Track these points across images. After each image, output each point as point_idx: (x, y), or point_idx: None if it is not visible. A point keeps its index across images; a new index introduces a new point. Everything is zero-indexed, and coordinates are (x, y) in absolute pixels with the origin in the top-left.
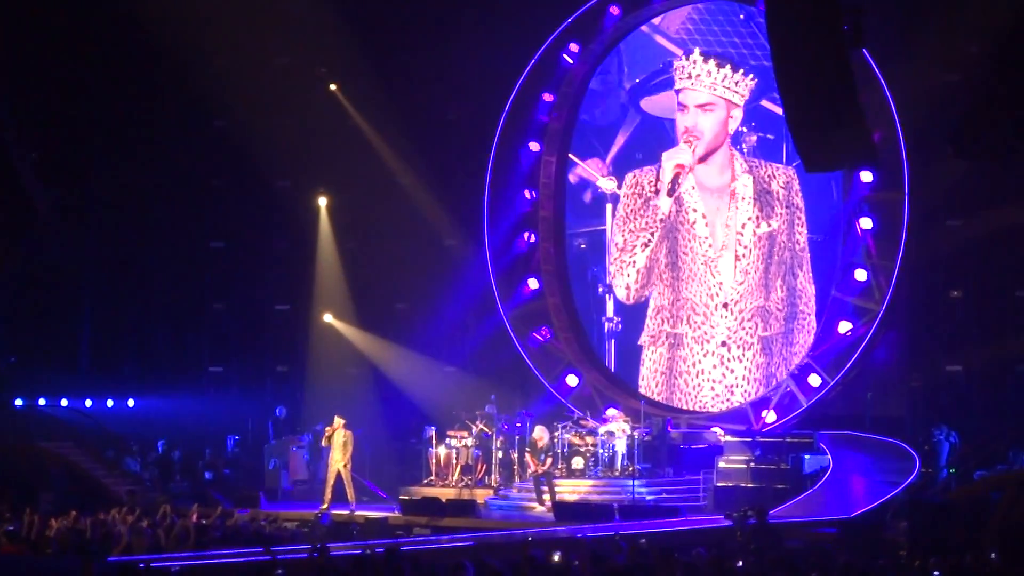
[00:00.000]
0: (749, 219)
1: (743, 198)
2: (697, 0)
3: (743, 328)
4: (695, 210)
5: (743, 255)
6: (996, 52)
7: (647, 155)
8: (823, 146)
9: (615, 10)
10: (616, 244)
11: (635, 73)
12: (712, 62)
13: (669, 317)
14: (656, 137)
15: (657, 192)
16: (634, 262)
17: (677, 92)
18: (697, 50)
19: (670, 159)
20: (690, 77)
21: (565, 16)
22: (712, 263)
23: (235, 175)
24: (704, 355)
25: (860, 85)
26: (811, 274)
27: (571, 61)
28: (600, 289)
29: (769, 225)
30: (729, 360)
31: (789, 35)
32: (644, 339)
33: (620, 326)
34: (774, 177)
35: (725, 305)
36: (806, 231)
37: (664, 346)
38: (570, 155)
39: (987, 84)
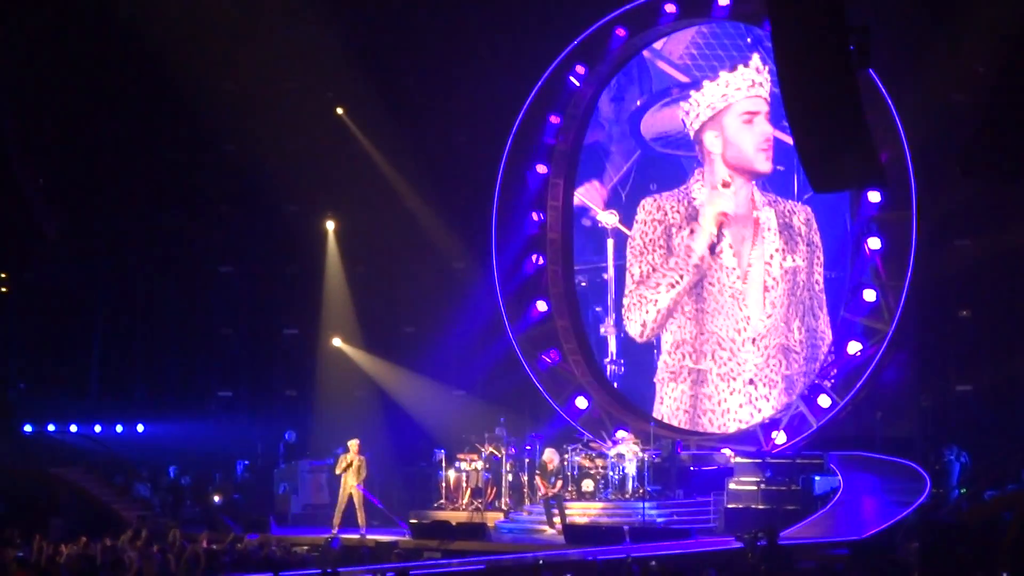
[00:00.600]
0: (777, 250)
1: (768, 228)
2: (704, 21)
3: (768, 365)
4: (722, 238)
5: (772, 287)
6: (1003, 72)
7: (662, 186)
8: (830, 167)
9: (621, 32)
10: (632, 275)
11: (646, 99)
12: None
13: (692, 352)
14: (666, 167)
15: (684, 228)
16: (656, 300)
17: (726, 107)
18: (756, 56)
19: (712, 204)
20: (753, 85)
21: (571, 38)
22: (740, 295)
23: (243, 200)
24: (730, 393)
25: (867, 105)
26: (828, 317)
27: (578, 83)
28: (602, 330)
29: (794, 260)
30: (757, 399)
31: (795, 56)
32: (662, 375)
33: (623, 368)
34: (794, 212)
35: (753, 340)
36: (823, 270)
37: (686, 383)
38: (577, 192)
39: (994, 104)
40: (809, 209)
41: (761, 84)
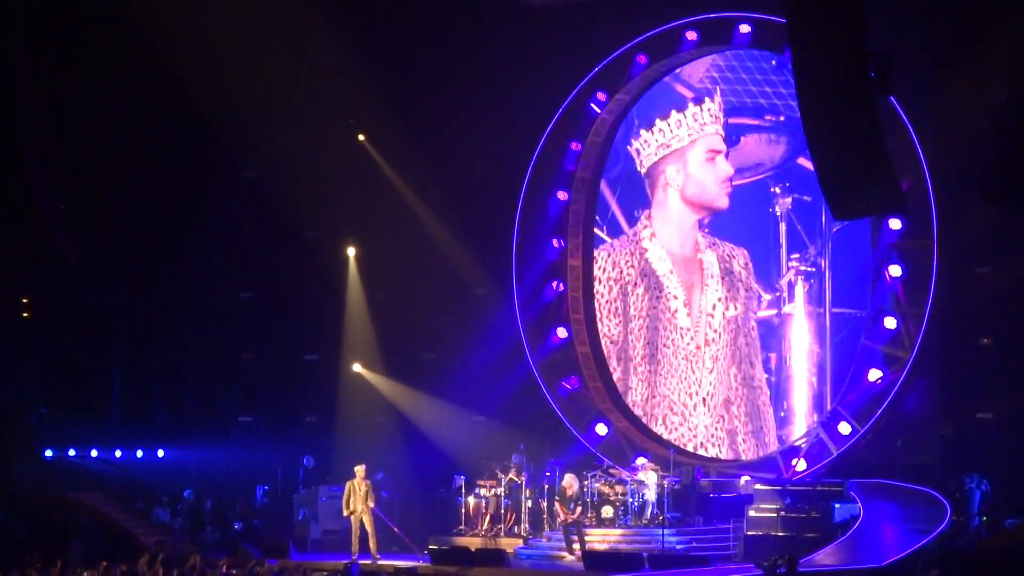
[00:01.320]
0: (720, 299)
1: (711, 275)
2: (724, 48)
3: (715, 424)
4: (675, 297)
5: (713, 340)
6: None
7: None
8: (852, 194)
9: (642, 59)
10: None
11: (645, 123)
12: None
13: (642, 415)
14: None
15: (639, 286)
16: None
17: (685, 147)
18: (719, 90)
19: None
20: (717, 120)
21: (592, 65)
22: (694, 358)
23: (264, 226)
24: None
25: (888, 132)
26: (763, 366)
27: (598, 110)
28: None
29: (735, 308)
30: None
31: (816, 82)
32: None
33: None
34: (734, 257)
35: (704, 401)
36: (756, 316)
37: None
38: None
39: (1015, 131)
40: (747, 253)
41: (716, 119)
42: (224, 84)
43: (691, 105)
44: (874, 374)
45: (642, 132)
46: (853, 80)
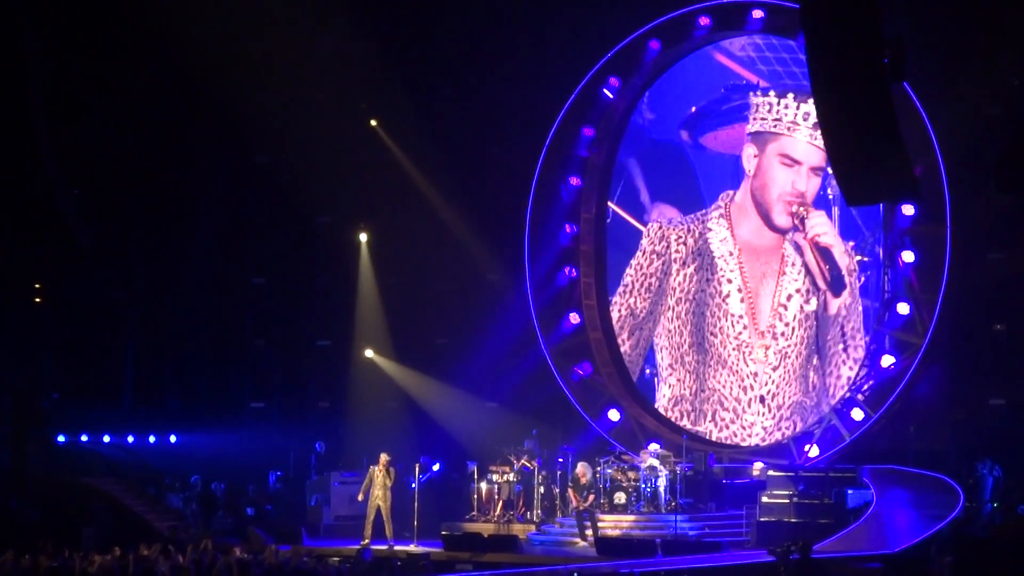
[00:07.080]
0: (797, 291)
1: (792, 264)
2: (737, 34)
3: (780, 428)
4: (730, 280)
5: (783, 334)
6: None
7: (712, 196)
8: (864, 179)
9: (655, 44)
10: (617, 314)
11: (694, 99)
12: None
13: (690, 411)
14: (719, 174)
15: (688, 266)
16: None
17: (768, 135)
18: None
19: None
20: (802, 122)
21: (605, 50)
22: (746, 347)
23: (276, 211)
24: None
25: (901, 118)
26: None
27: (611, 95)
28: (647, 371)
29: (817, 303)
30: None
31: (830, 68)
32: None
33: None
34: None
35: (762, 399)
36: (859, 315)
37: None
38: (612, 203)
39: None
40: (852, 243)
41: (804, 119)
42: (237, 69)
43: (772, 94)
44: (887, 360)
45: (752, 95)
46: (866, 66)
